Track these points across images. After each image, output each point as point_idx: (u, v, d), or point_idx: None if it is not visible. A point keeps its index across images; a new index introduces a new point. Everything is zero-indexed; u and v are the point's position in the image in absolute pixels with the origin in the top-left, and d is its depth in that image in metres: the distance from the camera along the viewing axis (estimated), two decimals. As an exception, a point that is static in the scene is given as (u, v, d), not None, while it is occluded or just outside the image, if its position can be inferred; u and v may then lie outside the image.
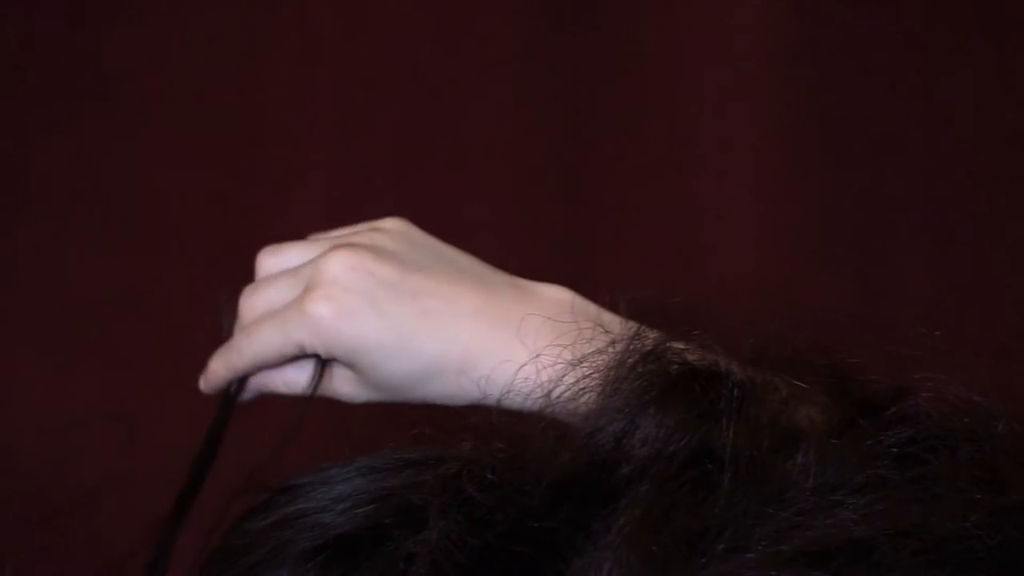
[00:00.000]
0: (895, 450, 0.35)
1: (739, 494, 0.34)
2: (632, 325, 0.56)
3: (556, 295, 0.60)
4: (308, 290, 0.60)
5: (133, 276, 1.12)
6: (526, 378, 0.53)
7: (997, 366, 0.41)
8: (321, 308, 0.59)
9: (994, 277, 1.14)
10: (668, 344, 0.38)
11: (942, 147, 1.14)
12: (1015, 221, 1.14)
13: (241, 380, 0.68)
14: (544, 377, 0.52)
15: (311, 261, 0.61)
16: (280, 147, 1.12)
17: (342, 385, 0.62)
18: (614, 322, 0.57)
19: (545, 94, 1.13)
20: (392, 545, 0.35)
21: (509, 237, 1.09)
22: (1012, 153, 1.14)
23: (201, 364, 0.69)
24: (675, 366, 0.37)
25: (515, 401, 0.55)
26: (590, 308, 0.60)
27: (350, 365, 0.60)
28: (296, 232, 0.69)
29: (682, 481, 0.34)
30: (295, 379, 0.64)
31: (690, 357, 0.38)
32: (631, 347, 0.38)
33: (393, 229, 0.63)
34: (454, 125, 1.11)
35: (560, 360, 0.47)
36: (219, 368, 0.66)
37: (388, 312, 0.58)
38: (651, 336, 0.39)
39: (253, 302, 0.63)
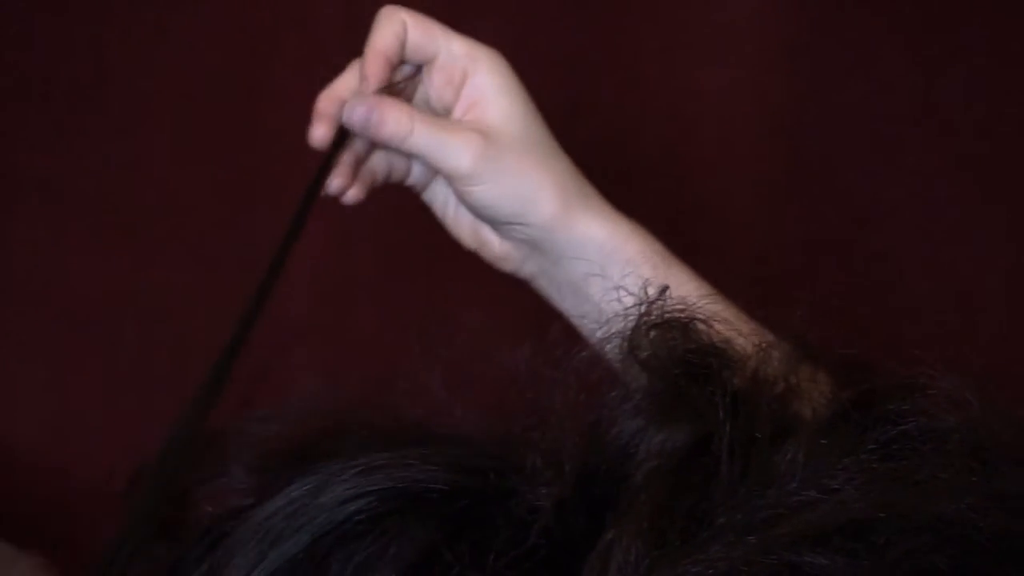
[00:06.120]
0: (880, 447, 0.35)
1: (735, 481, 0.34)
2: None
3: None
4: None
5: (133, 276, 1.12)
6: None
7: (991, 359, 0.41)
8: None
9: (993, 277, 1.14)
10: (671, 330, 0.38)
11: (942, 146, 1.14)
12: (1014, 220, 1.14)
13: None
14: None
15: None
16: (280, 146, 1.12)
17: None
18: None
19: (544, 89, 1.13)
20: (515, 500, 0.36)
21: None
22: (1012, 152, 1.14)
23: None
24: (675, 370, 0.37)
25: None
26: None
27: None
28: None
29: (685, 470, 0.35)
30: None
31: (693, 342, 0.38)
32: (635, 333, 0.38)
33: None
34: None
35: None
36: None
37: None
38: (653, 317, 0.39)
39: None
